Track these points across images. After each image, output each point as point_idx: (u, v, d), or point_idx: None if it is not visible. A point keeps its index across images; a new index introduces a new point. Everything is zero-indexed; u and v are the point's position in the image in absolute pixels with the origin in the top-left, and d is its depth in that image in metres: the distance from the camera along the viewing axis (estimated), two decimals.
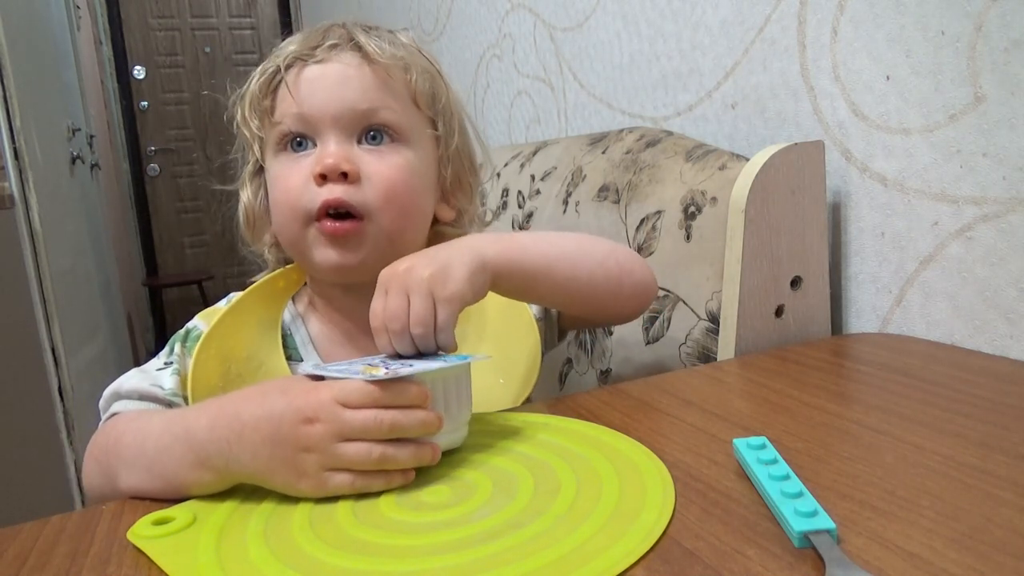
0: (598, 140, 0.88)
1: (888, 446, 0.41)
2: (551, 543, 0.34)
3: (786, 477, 0.36)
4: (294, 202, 0.57)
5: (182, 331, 0.62)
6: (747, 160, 0.64)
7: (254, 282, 0.64)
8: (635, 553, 0.32)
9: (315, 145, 0.58)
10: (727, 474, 0.39)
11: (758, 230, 0.61)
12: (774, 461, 0.38)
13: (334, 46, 0.58)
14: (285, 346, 0.62)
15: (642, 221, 0.74)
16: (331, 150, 0.56)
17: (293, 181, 0.57)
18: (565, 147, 0.94)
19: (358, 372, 0.42)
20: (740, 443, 0.40)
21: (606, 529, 0.34)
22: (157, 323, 3.89)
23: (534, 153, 0.99)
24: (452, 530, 0.36)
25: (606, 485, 0.39)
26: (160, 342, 3.93)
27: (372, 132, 0.58)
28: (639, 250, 0.74)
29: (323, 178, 0.56)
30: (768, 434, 0.43)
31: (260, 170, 0.63)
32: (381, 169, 0.57)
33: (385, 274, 0.49)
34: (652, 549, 0.33)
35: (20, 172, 1.81)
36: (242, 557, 0.35)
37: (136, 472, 0.45)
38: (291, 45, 0.60)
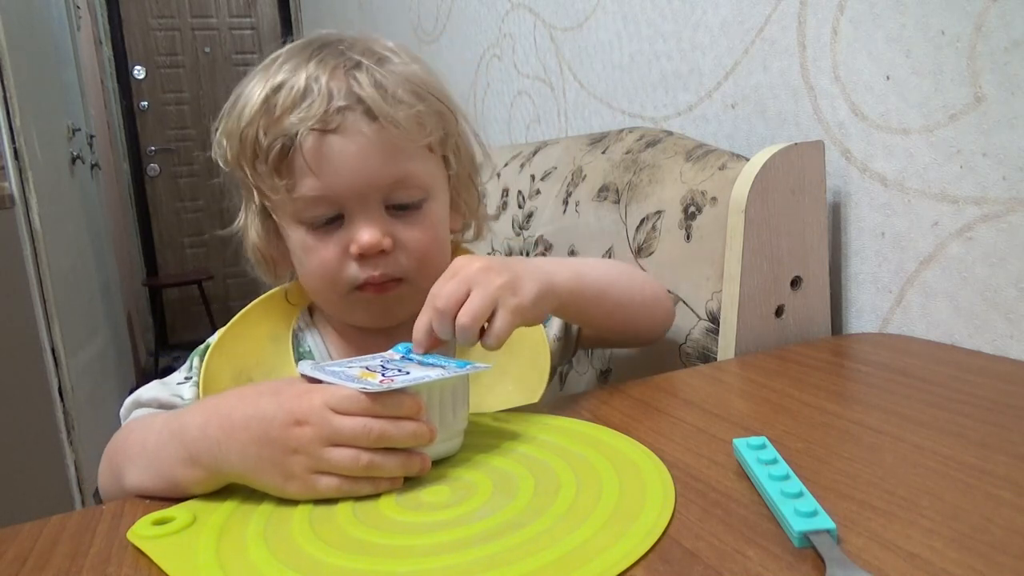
0: (598, 140, 0.88)
1: (888, 446, 0.41)
2: (551, 543, 0.34)
3: (786, 477, 0.36)
4: (333, 277, 0.57)
5: (202, 346, 0.62)
6: (747, 160, 0.64)
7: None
8: (635, 553, 0.32)
9: (339, 213, 0.57)
10: (727, 474, 0.39)
11: (758, 230, 0.61)
12: (774, 461, 0.38)
13: (345, 108, 0.54)
14: (298, 351, 0.63)
15: (642, 221, 0.74)
16: (365, 228, 0.55)
17: (328, 256, 0.57)
18: (565, 147, 0.94)
19: (355, 377, 0.42)
20: (740, 443, 0.40)
21: (606, 529, 0.34)
22: (157, 323, 3.89)
23: (534, 153, 0.99)
24: (452, 530, 0.36)
25: (606, 485, 0.39)
26: (160, 342, 3.94)
27: (398, 204, 0.58)
28: (639, 250, 0.74)
29: (361, 256, 0.56)
30: (768, 434, 0.43)
31: (265, 212, 0.61)
32: (415, 235, 0.58)
33: (459, 263, 0.49)
34: (652, 549, 0.33)
35: (20, 172, 1.81)
36: (242, 557, 0.35)
37: (138, 469, 0.46)
38: (286, 104, 0.54)
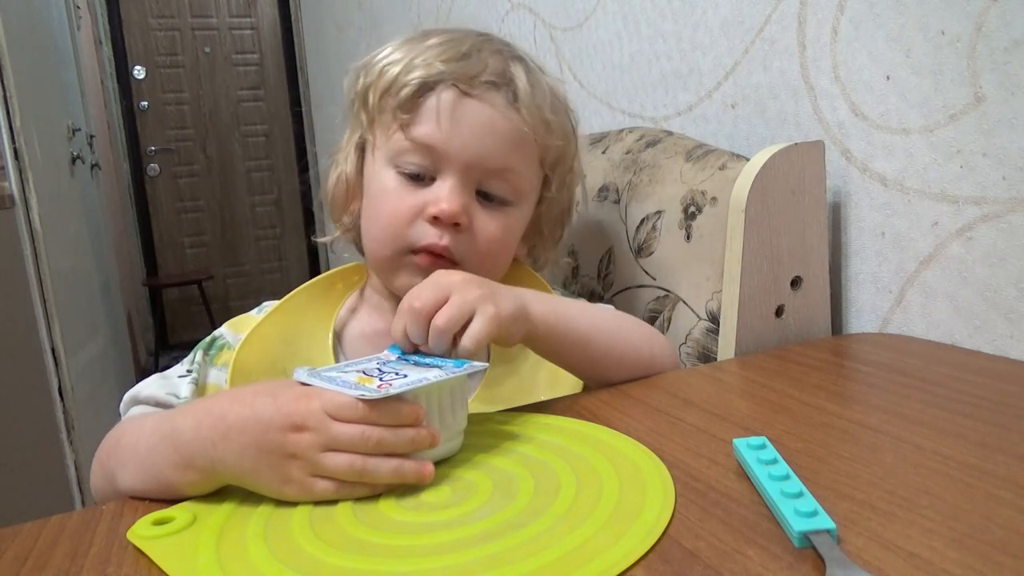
0: (598, 140, 0.88)
1: (888, 446, 0.41)
2: (551, 543, 0.34)
3: (786, 477, 0.36)
4: (398, 230, 0.57)
5: (207, 339, 0.62)
6: (747, 160, 0.64)
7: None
8: (635, 553, 0.32)
9: (434, 171, 0.57)
10: (727, 474, 0.39)
11: (758, 230, 0.61)
12: (774, 461, 0.38)
13: (493, 84, 0.57)
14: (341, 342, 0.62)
15: (642, 221, 0.74)
16: (451, 196, 0.56)
17: (402, 208, 0.57)
18: None
19: (352, 383, 0.42)
20: (740, 443, 0.40)
21: (606, 529, 0.34)
22: (157, 323, 3.89)
23: None
24: (452, 530, 0.36)
25: (606, 485, 0.39)
26: (160, 342, 3.94)
27: (490, 193, 0.58)
28: (639, 250, 0.74)
29: (435, 219, 0.56)
30: (768, 434, 0.43)
31: (363, 148, 0.62)
32: (489, 227, 0.58)
33: (439, 274, 0.50)
34: (652, 549, 0.33)
35: (20, 172, 1.81)
36: (242, 557, 0.35)
37: (131, 472, 0.45)
38: (441, 57, 0.57)
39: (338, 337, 0.63)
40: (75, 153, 2.43)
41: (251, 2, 3.87)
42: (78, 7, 2.99)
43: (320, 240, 0.67)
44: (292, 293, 0.64)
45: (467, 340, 0.46)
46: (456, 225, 0.56)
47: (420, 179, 0.58)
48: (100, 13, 3.54)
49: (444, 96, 0.56)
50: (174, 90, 3.77)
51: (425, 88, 0.57)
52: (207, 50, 3.81)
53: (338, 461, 0.40)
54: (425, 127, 0.57)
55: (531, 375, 0.61)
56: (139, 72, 3.70)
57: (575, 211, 0.70)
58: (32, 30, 2.13)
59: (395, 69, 0.58)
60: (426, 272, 0.56)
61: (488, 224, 0.58)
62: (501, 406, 0.53)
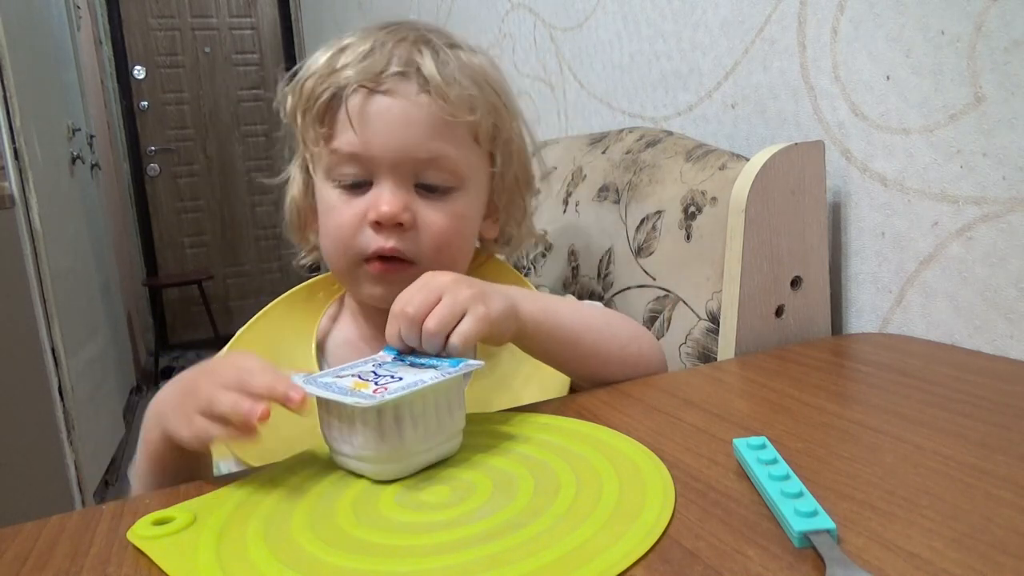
0: (598, 140, 0.88)
1: (888, 446, 0.41)
2: (551, 543, 0.34)
3: (786, 477, 0.36)
4: (346, 240, 0.57)
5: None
6: (747, 160, 0.64)
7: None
8: (635, 553, 0.32)
9: (369, 177, 0.57)
10: (727, 474, 0.39)
11: (758, 230, 0.61)
12: (774, 461, 0.38)
13: (400, 74, 0.56)
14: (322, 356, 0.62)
15: (642, 221, 0.74)
16: (387, 197, 0.56)
17: (346, 218, 0.57)
18: (565, 147, 0.94)
19: (348, 388, 0.42)
20: (740, 443, 0.40)
21: (606, 529, 0.34)
22: (157, 323, 3.89)
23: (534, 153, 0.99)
24: (452, 530, 0.36)
25: (606, 485, 0.39)
26: (160, 342, 3.94)
27: (429, 184, 0.57)
28: (639, 250, 0.74)
29: (378, 224, 0.56)
30: (768, 434, 0.43)
31: (307, 166, 0.62)
32: (436, 219, 0.57)
33: (428, 275, 0.49)
34: (652, 549, 0.33)
35: (20, 172, 1.81)
36: (242, 557, 0.35)
37: (140, 464, 0.49)
38: (350, 60, 0.56)
39: (321, 346, 0.63)
40: (75, 153, 2.43)
41: (251, 2, 3.87)
42: (78, 7, 2.99)
43: (299, 263, 0.66)
44: (274, 303, 0.64)
45: (456, 339, 0.46)
46: (400, 225, 0.56)
47: (359, 187, 0.57)
48: (100, 13, 3.54)
49: (353, 100, 0.55)
50: (174, 90, 3.77)
51: (336, 97, 0.56)
52: (207, 50, 3.81)
53: (226, 400, 0.42)
54: (343, 136, 0.56)
55: (512, 372, 0.61)
56: (139, 72, 3.70)
57: (535, 180, 0.68)
58: (32, 30, 2.13)
59: (310, 84, 0.58)
60: (382, 279, 0.57)
61: (434, 216, 0.57)
62: (479, 403, 0.53)
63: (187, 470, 0.49)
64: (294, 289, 0.66)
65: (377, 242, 0.56)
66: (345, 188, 0.57)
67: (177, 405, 0.45)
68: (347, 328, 0.65)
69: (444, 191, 0.58)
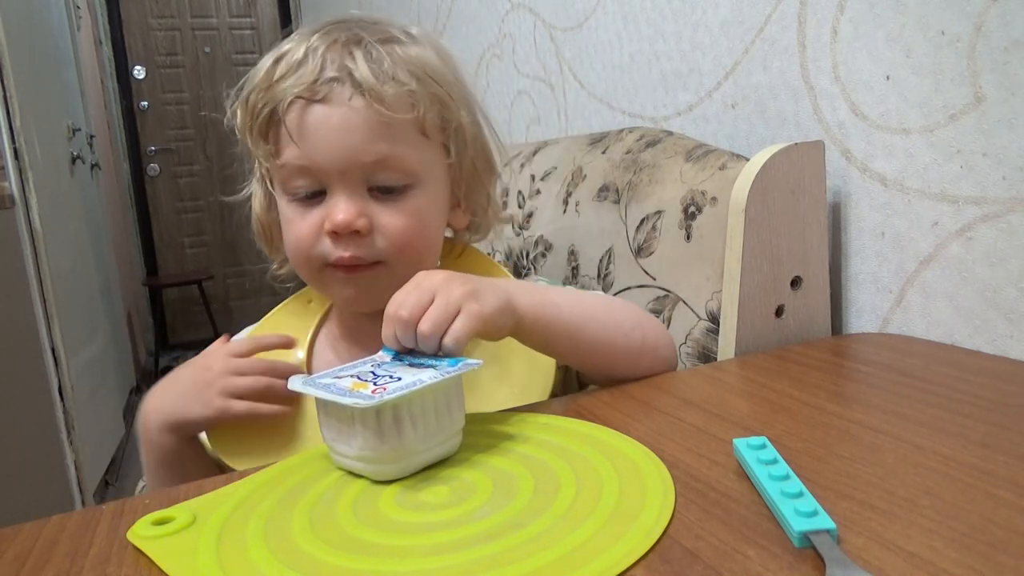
0: (598, 140, 0.88)
1: (888, 446, 0.41)
2: (551, 543, 0.34)
3: (786, 477, 0.36)
4: (306, 252, 0.57)
5: None
6: (747, 160, 0.64)
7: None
8: (635, 553, 0.32)
9: (322, 188, 0.56)
10: (727, 474, 0.39)
11: (758, 230, 0.61)
12: (774, 461, 0.38)
13: (334, 80, 0.54)
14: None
15: (642, 221, 0.74)
16: (341, 206, 0.55)
17: (303, 231, 0.57)
18: (565, 147, 0.94)
19: (346, 389, 0.42)
20: (740, 443, 0.40)
21: (606, 529, 0.34)
22: (157, 323, 3.89)
23: (534, 153, 0.99)
24: (452, 530, 0.36)
25: (606, 485, 0.39)
26: (160, 342, 3.94)
27: (382, 185, 0.57)
28: (639, 250, 0.74)
29: (335, 234, 0.55)
30: (768, 434, 0.43)
31: (265, 182, 0.62)
32: (393, 221, 0.56)
33: (421, 275, 0.49)
34: (652, 549, 0.33)
35: (20, 172, 1.81)
36: (242, 557, 0.35)
37: (149, 463, 0.57)
38: (287, 71, 0.55)
39: (310, 348, 0.64)
40: (75, 153, 2.43)
41: (251, 2, 3.87)
42: (78, 7, 2.99)
43: (273, 274, 0.66)
44: (273, 311, 0.65)
45: (448, 340, 0.46)
46: (356, 232, 0.55)
47: (314, 197, 0.57)
48: (100, 13, 3.54)
49: (291, 114, 0.55)
50: (174, 90, 3.77)
51: (275, 111, 0.55)
52: (207, 50, 3.81)
53: (245, 381, 0.54)
54: (287, 151, 0.56)
55: (506, 365, 0.60)
56: (139, 72, 3.70)
57: (496, 164, 0.66)
58: (32, 30, 2.13)
59: (252, 99, 0.57)
60: (349, 282, 0.57)
61: (392, 218, 0.56)
62: (476, 400, 0.54)
63: (197, 458, 0.57)
64: (292, 297, 0.66)
65: (336, 252, 0.56)
66: (299, 200, 0.57)
67: (186, 393, 0.55)
68: (332, 329, 0.65)
69: (400, 191, 0.57)
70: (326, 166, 0.55)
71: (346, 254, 0.55)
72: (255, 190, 0.63)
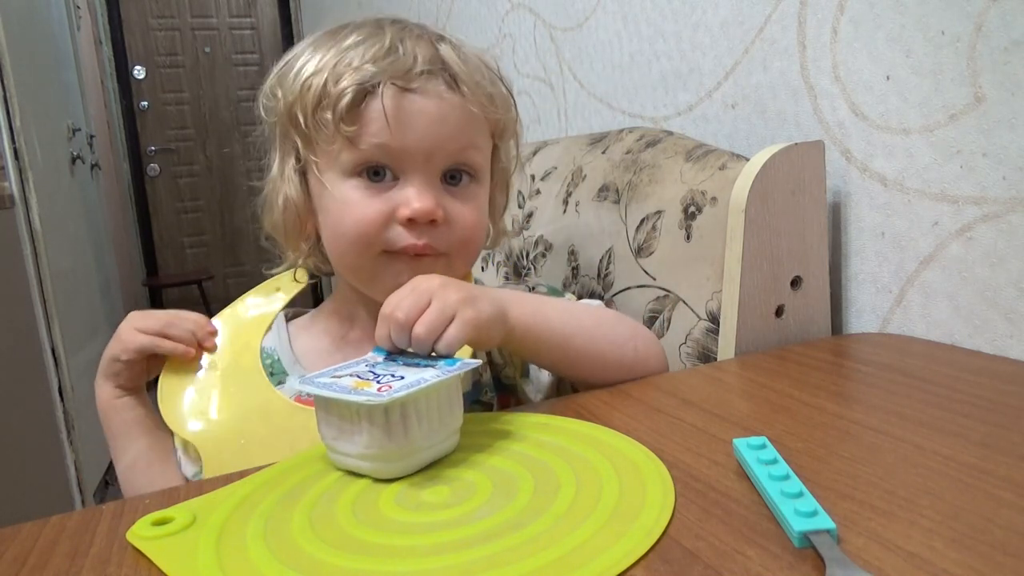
0: (598, 140, 0.88)
1: (888, 446, 0.41)
2: (551, 543, 0.34)
3: (786, 477, 0.36)
4: (371, 237, 0.56)
5: None
6: (747, 160, 0.64)
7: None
8: (635, 553, 0.32)
9: (394, 177, 0.56)
10: (727, 474, 0.39)
11: (758, 230, 0.61)
12: (774, 461, 0.38)
13: (429, 73, 0.55)
14: (271, 371, 0.62)
15: (642, 221, 0.74)
16: (420, 194, 0.55)
17: (370, 214, 0.56)
18: (565, 147, 0.94)
19: (349, 388, 0.42)
20: (740, 443, 0.40)
21: (606, 529, 0.34)
22: None
23: (534, 153, 0.99)
24: (452, 530, 0.36)
25: (606, 485, 0.39)
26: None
27: (454, 172, 0.58)
28: (639, 250, 0.74)
29: (411, 221, 0.55)
30: (768, 434, 0.43)
31: (304, 171, 0.60)
32: (464, 213, 0.57)
33: (418, 279, 0.49)
34: (652, 549, 0.33)
35: (20, 172, 1.81)
36: (242, 557, 0.35)
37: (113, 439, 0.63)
38: (367, 58, 0.55)
39: (295, 355, 0.64)
40: (75, 153, 2.43)
41: (251, 2, 3.87)
42: (78, 7, 2.99)
43: (273, 272, 0.66)
44: (243, 297, 0.67)
45: (442, 346, 0.46)
46: (432, 222, 0.55)
47: (381, 178, 0.56)
48: (100, 13, 3.54)
49: (388, 96, 0.54)
50: (174, 90, 3.77)
51: (362, 93, 0.54)
52: (207, 50, 3.81)
53: (149, 320, 0.61)
54: (376, 133, 0.55)
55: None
56: (139, 72, 3.70)
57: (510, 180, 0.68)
58: (32, 30, 2.13)
59: (318, 80, 0.55)
60: (411, 268, 0.56)
61: (463, 211, 0.57)
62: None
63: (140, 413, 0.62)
64: (261, 285, 0.67)
65: (407, 239, 0.55)
66: (367, 186, 0.56)
67: (108, 346, 0.61)
68: (320, 333, 0.65)
69: (466, 184, 0.58)
70: (415, 152, 0.55)
71: (420, 242, 0.55)
72: (289, 176, 0.61)
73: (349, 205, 0.56)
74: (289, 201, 0.60)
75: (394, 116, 0.54)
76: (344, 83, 0.54)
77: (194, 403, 0.58)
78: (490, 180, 0.62)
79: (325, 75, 0.55)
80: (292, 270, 0.65)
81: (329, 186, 0.57)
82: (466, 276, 0.64)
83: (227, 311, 0.66)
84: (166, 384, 0.60)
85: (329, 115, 0.55)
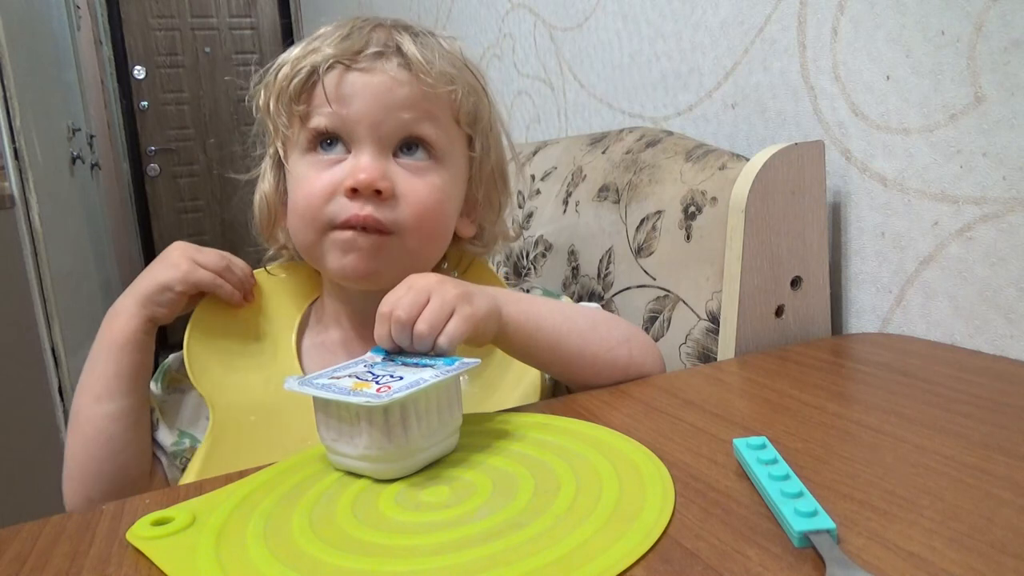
0: (598, 140, 0.88)
1: (888, 446, 0.41)
2: (551, 543, 0.34)
3: (786, 477, 0.36)
4: (316, 210, 0.56)
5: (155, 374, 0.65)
6: (747, 160, 0.64)
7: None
8: (635, 553, 0.32)
9: (347, 150, 0.56)
10: (727, 474, 0.39)
11: (758, 230, 0.61)
12: (774, 461, 0.38)
13: (379, 55, 0.56)
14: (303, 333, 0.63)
15: (642, 221, 0.74)
16: (366, 163, 0.55)
17: (318, 187, 0.56)
18: (565, 147, 0.94)
19: (348, 389, 0.42)
20: (740, 443, 0.40)
21: (606, 529, 0.34)
22: None
23: (534, 153, 0.99)
24: (452, 530, 0.36)
25: (606, 485, 0.39)
26: (160, 342, 3.92)
27: (409, 145, 0.57)
28: (639, 250, 0.74)
29: (354, 191, 0.54)
30: (768, 434, 0.43)
31: (280, 163, 0.61)
32: (417, 188, 0.56)
33: (414, 277, 0.49)
34: (652, 549, 0.33)
35: (20, 172, 1.81)
36: (242, 557, 0.35)
37: (98, 350, 0.58)
38: (326, 43, 0.57)
39: (298, 345, 0.63)
40: (75, 153, 2.43)
41: (251, 2, 3.87)
42: (78, 7, 2.99)
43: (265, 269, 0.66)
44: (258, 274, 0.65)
45: (443, 340, 0.46)
46: (378, 193, 0.54)
47: (332, 147, 0.57)
48: (100, 13, 3.54)
49: (331, 75, 0.56)
50: (174, 90, 3.77)
51: (312, 74, 0.56)
52: (207, 50, 3.81)
53: (207, 255, 0.58)
54: (321, 108, 0.56)
55: (498, 375, 0.60)
56: (139, 72, 3.70)
57: (510, 176, 0.67)
58: (32, 30, 2.13)
59: (285, 70, 0.57)
60: (353, 245, 0.55)
61: (414, 185, 0.56)
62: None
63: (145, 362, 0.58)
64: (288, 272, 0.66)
65: (351, 209, 0.54)
66: (319, 161, 0.57)
67: (153, 269, 0.57)
68: (325, 332, 0.64)
69: (424, 164, 0.57)
70: (359, 123, 0.55)
71: (362, 212, 0.54)
72: (265, 170, 0.63)
73: (300, 180, 0.57)
74: (263, 197, 0.63)
75: (336, 89, 0.55)
76: (299, 66, 0.56)
77: (224, 359, 0.58)
78: (466, 173, 0.61)
79: (290, 65, 0.57)
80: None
81: (292, 167, 0.59)
82: (497, 282, 0.64)
83: (260, 273, 0.65)
84: (199, 328, 0.59)
85: (286, 97, 0.57)
